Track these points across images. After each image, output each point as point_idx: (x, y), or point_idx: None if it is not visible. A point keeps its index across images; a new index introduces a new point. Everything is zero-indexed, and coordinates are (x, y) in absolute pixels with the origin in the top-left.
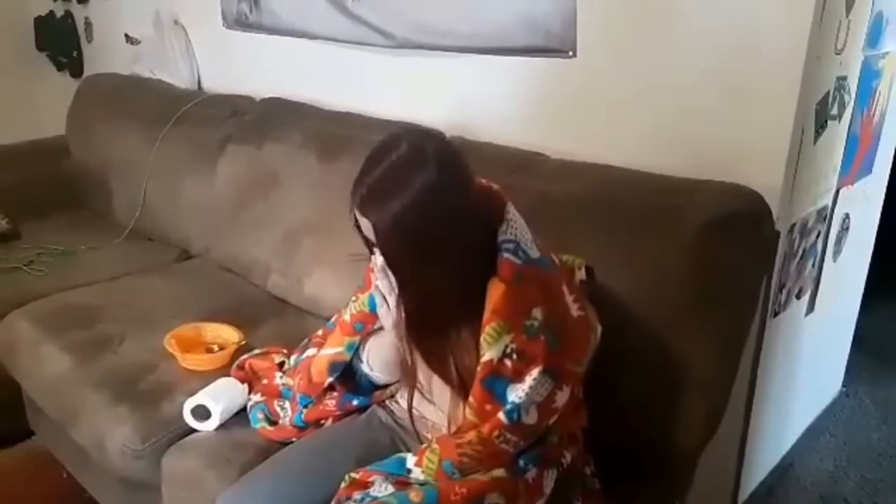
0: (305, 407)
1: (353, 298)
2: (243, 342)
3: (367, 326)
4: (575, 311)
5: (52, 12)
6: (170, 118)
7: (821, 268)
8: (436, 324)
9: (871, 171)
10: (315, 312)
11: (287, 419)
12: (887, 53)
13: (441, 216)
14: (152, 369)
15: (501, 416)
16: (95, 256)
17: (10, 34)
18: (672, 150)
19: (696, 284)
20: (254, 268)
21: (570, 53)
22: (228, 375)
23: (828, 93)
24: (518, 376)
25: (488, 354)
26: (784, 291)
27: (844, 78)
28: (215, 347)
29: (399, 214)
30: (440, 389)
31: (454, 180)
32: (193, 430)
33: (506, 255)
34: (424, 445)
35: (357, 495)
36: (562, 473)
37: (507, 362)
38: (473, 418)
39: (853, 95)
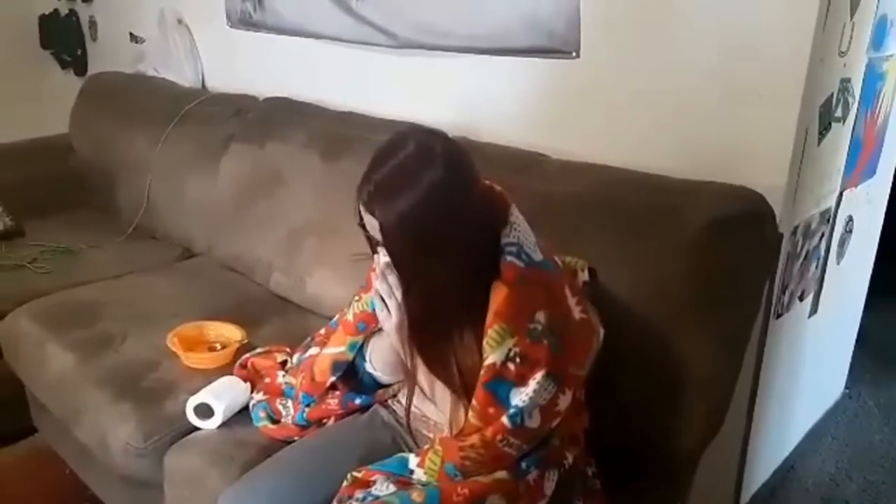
0: (308, 406)
1: (356, 298)
2: (246, 341)
3: (369, 326)
4: (577, 314)
5: (56, 10)
6: (173, 117)
7: (824, 270)
8: (438, 326)
9: (874, 174)
10: (317, 311)
11: (289, 418)
12: (892, 56)
13: (447, 215)
14: (155, 367)
15: (505, 419)
16: (98, 254)
17: (15, 32)
18: (675, 150)
19: (697, 285)
20: (256, 267)
21: (574, 54)
22: (231, 374)
23: (832, 94)
24: (521, 380)
25: (491, 358)
26: (787, 293)
27: (848, 80)
28: (218, 346)
29: (405, 212)
30: (442, 391)
31: (461, 180)
32: (196, 429)
33: (509, 257)
34: (427, 446)
35: (359, 494)
36: (563, 474)
37: (511, 366)
38: (476, 421)
39: (857, 97)
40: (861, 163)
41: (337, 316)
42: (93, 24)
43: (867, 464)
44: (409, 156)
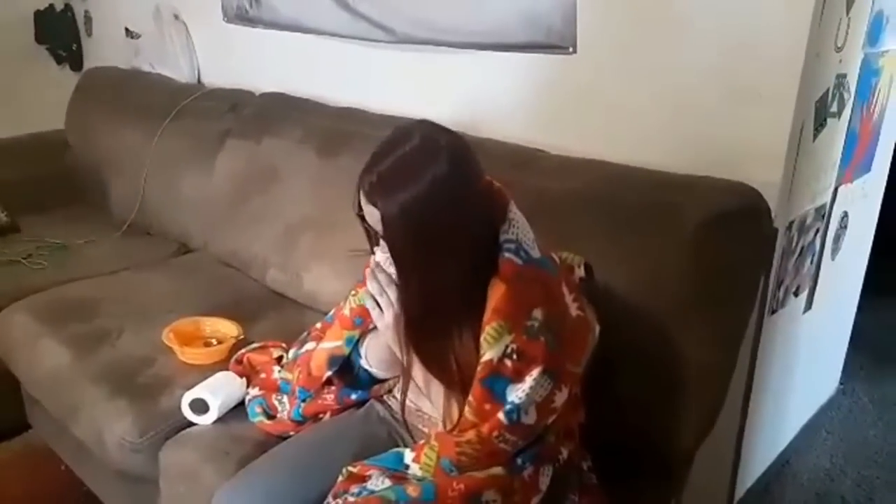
0: (304, 401)
1: (353, 293)
2: (242, 336)
3: (366, 321)
4: (574, 310)
5: (51, 6)
6: (169, 112)
7: (819, 265)
8: (436, 322)
9: (870, 169)
10: (314, 307)
11: (285, 413)
12: (887, 52)
13: (449, 209)
14: (151, 363)
15: (501, 416)
16: (94, 250)
17: (10, 27)
18: (672, 146)
19: (694, 281)
20: (253, 262)
21: (571, 50)
22: (227, 369)
23: (827, 90)
24: (518, 376)
25: (489, 354)
26: (782, 289)
27: (844, 76)
28: (214, 341)
29: (408, 204)
30: (437, 386)
31: (464, 175)
32: (191, 424)
33: (507, 254)
34: (423, 442)
35: (354, 489)
36: (558, 470)
37: (508, 362)
38: (472, 417)
39: (853, 93)
40: (856, 158)
41: (333, 311)
42: (88, 19)
43: (861, 459)
44: (413, 148)
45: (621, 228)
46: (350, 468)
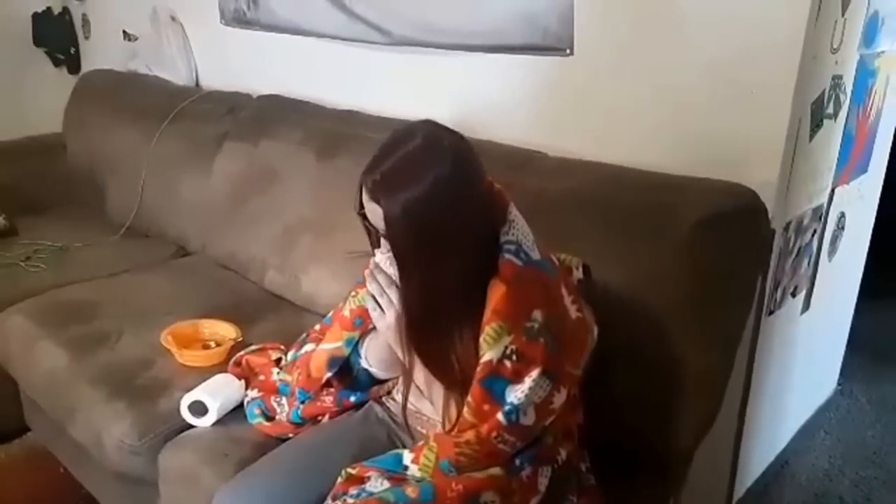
0: (303, 402)
1: (353, 294)
2: (240, 339)
3: (366, 322)
4: (573, 312)
5: (49, 8)
6: (167, 115)
7: (816, 266)
8: (437, 322)
9: (866, 170)
10: (312, 309)
11: (284, 415)
12: (883, 53)
13: (451, 209)
14: (149, 365)
15: (500, 416)
16: (92, 253)
17: (8, 30)
18: (669, 147)
19: (690, 281)
20: (251, 265)
21: (568, 52)
22: (225, 372)
23: (823, 91)
24: (517, 377)
25: (488, 355)
26: (779, 290)
27: (840, 77)
28: (212, 344)
29: (410, 203)
30: (438, 387)
31: (467, 175)
32: (190, 426)
33: (507, 255)
34: (421, 443)
35: (353, 490)
36: (556, 471)
37: (507, 363)
38: (471, 418)
39: (849, 94)
40: (853, 159)
41: (331, 312)
42: (86, 21)
43: (859, 459)
44: (417, 148)
45: (618, 229)
46: (349, 470)
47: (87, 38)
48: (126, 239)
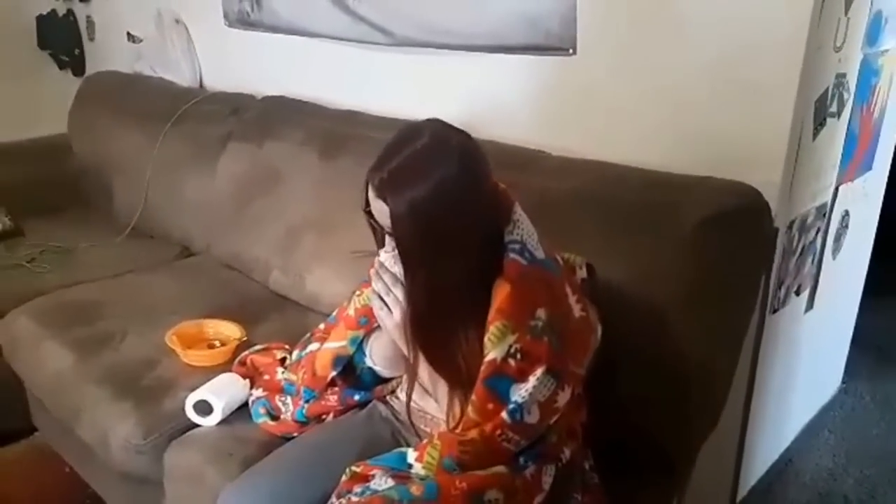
0: (308, 401)
1: (357, 293)
2: (245, 338)
3: (371, 321)
4: (577, 311)
5: (54, 10)
6: (171, 116)
7: (820, 264)
8: (442, 319)
9: (870, 168)
10: (316, 309)
11: (289, 414)
12: (886, 51)
13: (457, 208)
14: (154, 365)
15: (504, 415)
16: (97, 254)
17: (13, 32)
18: (672, 147)
19: (694, 280)
20: (255, 265)
21: (570, 52)
22: (230, 371)
23: (827, 90)
24: (521, 376)
25: (492, 354)
26: (783, 288)
27: (843, 75)
28: (217, 344)
29: (416, 202)
30: (444, 386)
31: (473, 174)
32: (195, 426)
33: (512, 255)
34: (426, 441)
35: (357, 488)
36: (560, 469)
37: (511, 362)
38: (475, 417)
39: (852, 93)
40: (857, 157)
41: (336, 311)
42: (90, 23)
43: (864, 458)
44: (424, 146)
45: (621, 228)
46: (353, 468)
47: (91, 39)
48: (131, 239)
